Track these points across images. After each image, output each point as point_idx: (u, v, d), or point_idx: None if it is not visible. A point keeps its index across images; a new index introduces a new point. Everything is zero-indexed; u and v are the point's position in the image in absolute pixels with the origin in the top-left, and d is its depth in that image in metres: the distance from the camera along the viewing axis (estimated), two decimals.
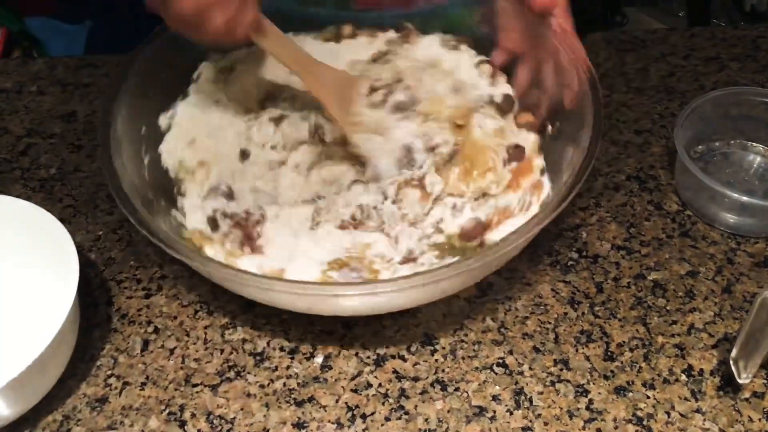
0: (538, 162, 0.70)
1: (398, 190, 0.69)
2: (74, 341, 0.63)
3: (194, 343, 0.66)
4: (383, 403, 0.62)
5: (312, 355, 0.65)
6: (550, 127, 0.71)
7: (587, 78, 0.66)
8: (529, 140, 0.72)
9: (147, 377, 0.64)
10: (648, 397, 0.61)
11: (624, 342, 0.65)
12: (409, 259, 0.67)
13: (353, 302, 0.60)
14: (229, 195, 0.70)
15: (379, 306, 0.62)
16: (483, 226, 0.68)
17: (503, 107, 0.74)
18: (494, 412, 0.61)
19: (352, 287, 0.59)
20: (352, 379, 0.63)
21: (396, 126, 0.73)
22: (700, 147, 0.79)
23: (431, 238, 0.68)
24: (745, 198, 0.68)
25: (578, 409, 0.61)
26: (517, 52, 0.74)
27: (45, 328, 0.59)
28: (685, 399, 0.61)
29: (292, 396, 0.62)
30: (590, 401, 0.61)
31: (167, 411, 0.62)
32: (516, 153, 0.71)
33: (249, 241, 0.67)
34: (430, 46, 0.80)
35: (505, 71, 0.76)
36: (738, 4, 1.73)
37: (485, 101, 0.75)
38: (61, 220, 0.65)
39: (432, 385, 0.63)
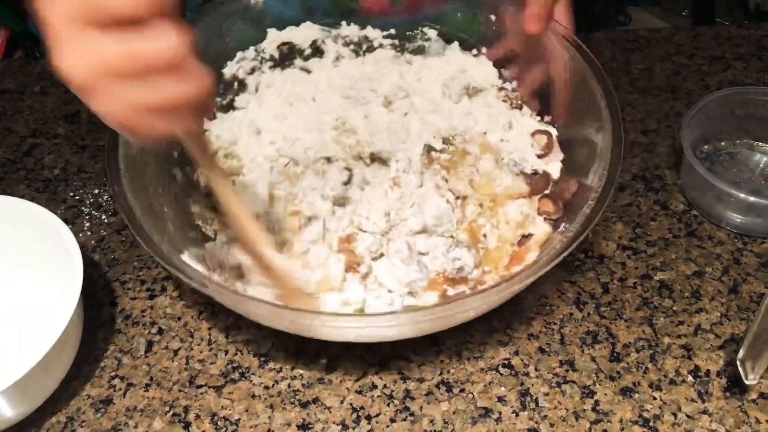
0: (532, 255, 0.65)
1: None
2: (78, 342, 0.63)
3: (198, 344, 0.66)
4: (388, 405, 0.61)
5: (316, 356, 0.65)
6: (563, 225, 0.66)
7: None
8: (540, 231, 0.67)
9: (151, 378, 0.64)
10: (654, 398, 0.61)
11: (630, 343, 0.64)
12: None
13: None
14: None
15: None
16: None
17: (535, 186, 0.70)
18: (500, 413, 0.60)
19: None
20: (357, 380, 0.63)
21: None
22: (706, 147, 0.79)
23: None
24: (751, 198, 0.68)
25: (584, 410, 0.60)
26: (517, 51, 0.74)
27: (49, 329, 0.58)
28: (692, 400, 0.61)
29: (297, 397, 0.62)
30: (596, 402, 0.61)
31: (171, 412, 0.61)
32: (522, 241, 0.67)
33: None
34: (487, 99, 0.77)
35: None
36: (742, 3, 1.73)
37: (522, 169, 0.71)
38: (65, 221, 0.64)
39: (437, 386, 0.62)
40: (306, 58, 0.82)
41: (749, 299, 0.67)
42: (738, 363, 0.59)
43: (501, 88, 0.78)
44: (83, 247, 0.63)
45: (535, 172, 0.70)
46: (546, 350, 0.64)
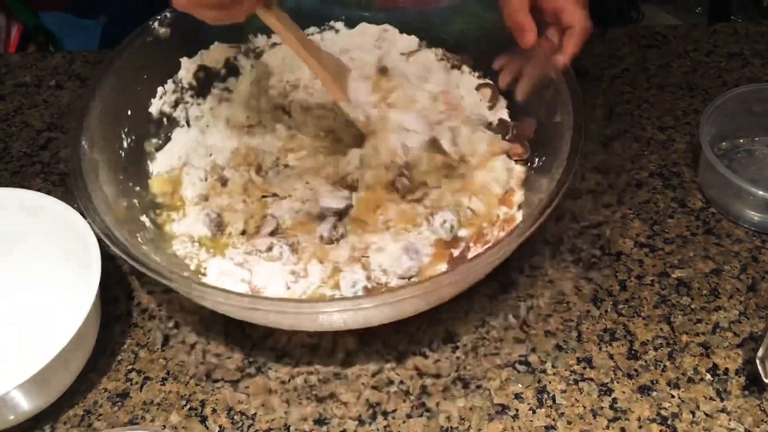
0: (519, 196, 0.71)
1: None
2: (95, 336, 0.63)
3: (215, 339, 0.66)
4: (405, 401, 0.61)
5: (333, 352, 0.64)
6: (537, 160, 0.72)
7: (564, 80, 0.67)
8: (515, 173, 0.73)
9: (168, 372, 0.64)
10: (672, 397, 0.61)
11: (648, 340, 0.64)
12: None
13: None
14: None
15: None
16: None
17: (499, 131, 0.76)
18: (517, 410, 0.60)
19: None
20: (373, 375, 0.63)
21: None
22: (724, 144, 0.78)
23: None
24: None
25: (602, 408, 0.60)
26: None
27: (67, 322, 0.59)
28: (710, 398, 0.60)
29: (313, 392, 0.62)
30: (614, 400, 0.60)
31: (188, 406, 0.61)
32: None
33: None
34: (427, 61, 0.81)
35: None
36: (756, 1, 1.72)
37: (483, 123, 0.76)
38: (81, 214, 0.64)
39: (454, 382, 0.62)
40: (223, 79, 0.81)
41: None
42: (757, 361, 0.59)
43: (429, 48, 0.81)
44: (99, 241, 0.63)
45: (491, 123, 0.77)
46: (563, 347, 0.64)
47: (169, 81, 0.78)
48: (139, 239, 0.65)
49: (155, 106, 0.77)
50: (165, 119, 0.78)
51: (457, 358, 0.64)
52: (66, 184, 0.78)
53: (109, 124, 0.71)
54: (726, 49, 0.89)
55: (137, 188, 0.72)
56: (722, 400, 0.60)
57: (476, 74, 0.80)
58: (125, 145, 0.73)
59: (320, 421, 0.60)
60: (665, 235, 0.71)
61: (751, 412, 0.59)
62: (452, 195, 0.69)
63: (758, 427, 0.58)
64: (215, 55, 0.80)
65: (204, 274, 0.67)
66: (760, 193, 0.68)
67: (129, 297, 0.69)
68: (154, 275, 0.57)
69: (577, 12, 0.67)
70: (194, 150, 0.76)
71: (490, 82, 0.79)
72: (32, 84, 0.91)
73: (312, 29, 0.84)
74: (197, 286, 0.58)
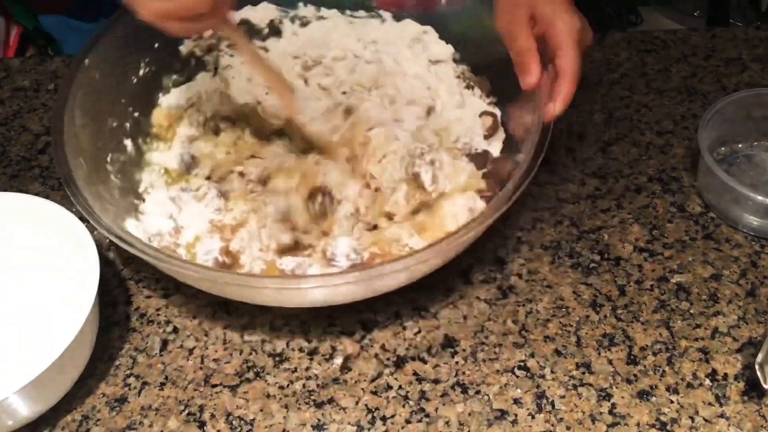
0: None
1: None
2: (93, 341, 0.63)
3: (213, 343, 0.66)
4: (403, 406, 0.61)
5: (331, 357, 0.64)
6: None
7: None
8: (477, 210, 0.70)
9: (166, 377, 0.63)
10: (672, 402, 0.60)
11: (647, 346, 0.64)
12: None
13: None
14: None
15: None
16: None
17: (477, 162, 0.74)
18: (516, 415, 0.60)
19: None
20: (372, 380, 0.63)
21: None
22: (723, 149, 0.78)
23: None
24: None
25: (601, 413, 0.60)
26: None
27: (64, 327, 0.59)
28: (710, 404, 0.60)
29: (312, 397, 0.62)
30: (613, 405, 0.60)
31: (186, 411, 0.61)
32: None
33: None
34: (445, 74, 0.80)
35: None
36: (754, 4, 1.72)
37: (467, 152, 0.74)
38: (80, 219, 0.64)
39: (453, 387, 0.62)
40: (264, 38, 0.82)
41: (767, 302, 0.66)
42: (756, 367, 0.59)
43: (457, 63, 0.80)
44: (98, 245, 0.63)
45: (480, 153, 0.75)
46: (562, 352, 0.64)
47: None
48: (108, 160, 0.71)
49: (187, 46, 0.80)
50: (193, 60, 0.81)
51: (456, 363, 0.64)
52: (63, 189, 0.78)
53: (129, 48, 0.75)
54: (725, 53, 0.89)
55: (136, 113, 0.76)
56: (721, 405, 0.60)
57: (488, 100, 0.79)
58: (141, 73, 0.77)
59: (319, 427, 0.60)
60: (664, 240, 0.71)
61: (750, 418, 0.59)
62: (398, 228, 0.69)
63: None
64: (261, 13, 0.82)
65: (143, 200, 0.73)
66: (759, 198, 0.68)
67: (127, 302, 0.69)
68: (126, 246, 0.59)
69: (569, 55, 0.64)
70: (210, 96, 0.78)
71: (494, 112, 0.77)
72: (31, 88, 0.91)
73: (361, 13, 0.84)
74: (167, 259, 0.59)
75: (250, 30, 0.82)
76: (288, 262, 0.67)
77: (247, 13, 0.82)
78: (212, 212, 0.70)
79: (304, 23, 0.83)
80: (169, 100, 0.79)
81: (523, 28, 0.65)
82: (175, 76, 0.80)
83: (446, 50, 0.81)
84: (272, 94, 0.75)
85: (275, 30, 0.83)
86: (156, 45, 0.77)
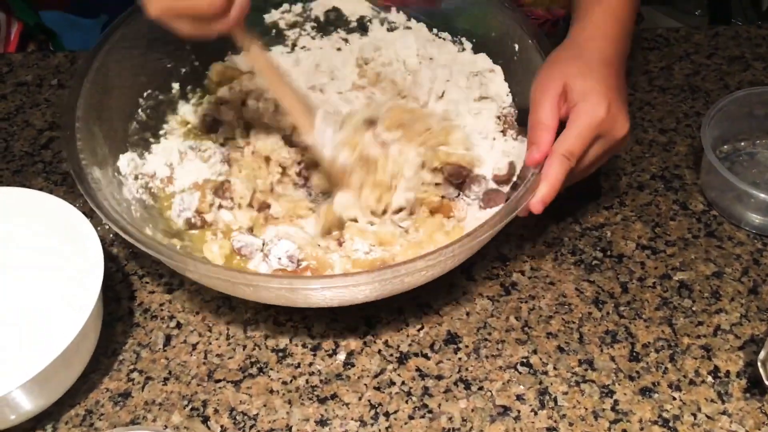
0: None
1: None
2: (97, 336, 0.63)
3: (217, 339, 0.66)
4: (407, 401, 0.61)
5: (335, 352, 0.64)
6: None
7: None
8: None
9: (170, 372, 0.64)
10: (674, 399, 0.61)
11: (649, 343, 0.64)
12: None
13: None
14: None
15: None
16: None
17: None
18: (518, 411, 0.60)
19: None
20: (375, 376, 0.63)
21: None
22: (725, 147, 0.78)
23: None
24: None
25: (603, 409, 0.60)
26: None
27: (69, 322, 0.59)
28: (712, 401, 0.60)
29: (315, 393, 0.62)
30: (615, 402, 0.61)
31: (190, 406, 0.61)
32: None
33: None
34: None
35: None
36: (755, 4, 1.72)
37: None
38: (84, 214, 0.64)
39: (455, 383, 0.62)
40: (349, 31, 0.83)
41: None
42: (759, 364, 0.59)
43: (503, 107, 0.76)
44: (102, 241, 0.63)
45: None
46: (565, 349, 0.64)
47: (299, 3, 0.81)
48: (144, 95, 0.75)
49: (272, 16, 0.81)
50: (274, 31, 0.82)
51: (459, 359, 0.64)
52: (67, 184, 0.78)
53: None
54: (727, 52, 0.90)
55: (196, 62, 0.79)
56: (723, 402, 0.60)
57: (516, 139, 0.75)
58: None
59: (322, 422, 0.60)
60: (667, 237, 0.72)
61: (752, 415, 0.59)
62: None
63: (759, 429, 0.59)
64: (353, 7, 0.82)
65: (159, 141, 0.75)
66: (762, 195, 0.68)
67: (131, 297, 0.69)
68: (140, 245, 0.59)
69: (566, 136, 0.60)
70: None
71: (514, 163, 0.71)
72: (34, 83, 0.90)
73: (446, 35, 0.82)
74: (175, 256, 0.59)
75: (337, 19, 0.82)
76: (241, 239, 0.67)
77: (340, 2, 0.82)
78: (211, 174, 0.72)
79: (391, 28, 0.82)
80: (235, 59, 0.80)
81: (548, 100, 0.61)
82: None
83: (502, 91, 0.77)
84: (287, 114, 0.70)
85: (363, 26, 0.83)
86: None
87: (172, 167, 0.73)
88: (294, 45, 0.83)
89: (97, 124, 0.68)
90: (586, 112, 0.60)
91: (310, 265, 0.66)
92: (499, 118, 0.76)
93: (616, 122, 0.61)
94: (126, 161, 0.71)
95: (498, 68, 0.78)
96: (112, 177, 0.68)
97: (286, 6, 0.81)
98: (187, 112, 0.78)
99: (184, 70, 0.79)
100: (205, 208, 0.69)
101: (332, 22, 0.82)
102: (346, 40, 0.83)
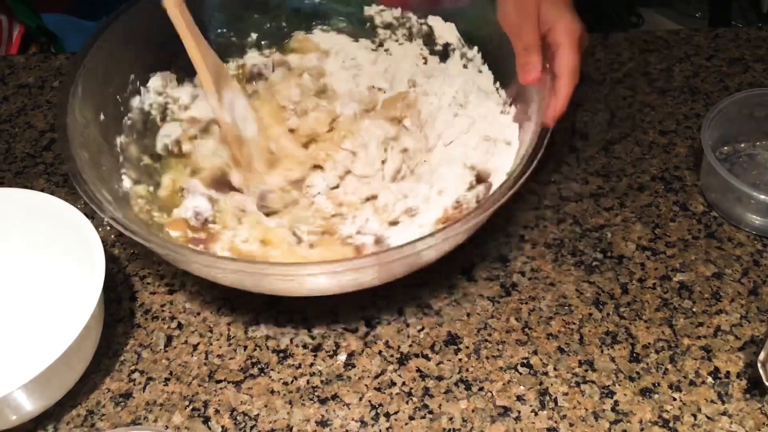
0: None
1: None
2: (98, 337, 0.63)
3: (217, 339, 0.66)
4: (407, 402, 0.61)
5: (335, 353, 0.65)
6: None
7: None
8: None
9: (171, 373, 0.64)
10: (674, 399, 0.61)
11: (650, 343, 0.64)
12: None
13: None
14: None
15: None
16: None
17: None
18: (519, 412, 0.60)
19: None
20: (376, 377, 0.63)
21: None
22: (725, 148, 0.78)
23: None
24: None
25: (604, 410, 0.60)
26: None
27: (70, 323, 0.59)
28: (712, 401, 0.61)
29: (316, 393, 0.62)
30: (616, 403, 0.61)
31: (191, 407, 0.62)
32: None
33: None
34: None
35: None
36: (755, 6, 1.72)
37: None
38: (86, 215, 0.65)
39: (456, 384, 0.62)
40: (433, 53, 0.82)
41: None
42: (758, 365, 0.59)
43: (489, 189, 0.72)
44: (103, 242, 0.63)
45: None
46: (565, 350, 0.64)
47: (398, 8, 0.82)
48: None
49: (371, 9, 0.83)
50: (368, 24, 0.84)
51: (459, 360, 0.64)
52: (69, 185, 0.79)
53: None
54: (727, 53, 0.90)
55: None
56: (723, 403, 0.60)
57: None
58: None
59: (323, 423, 0.60)
60: (667, 238, 0.72)
61: (753, 416, 0.60)
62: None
63: (759, 430, 0.59)
64: (444, 31, 0.81)
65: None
66: (762, 197, 0.68)
67: (132, 298, 0.69)
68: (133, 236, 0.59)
69: (569, 55, 0.65)
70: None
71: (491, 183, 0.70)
72: (35, 85, 0.91)
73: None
74: (169, 246, 0.59)
75: (426, 36, 0.82)
76: (192, 202, 0.69)
77: (435, 23, 0.81)
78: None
79: (466, 65, 0.79)
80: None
81: (531, 23, 0.66)
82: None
83: (502, 168, 0.70)
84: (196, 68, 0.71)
85: (445, 54, 0.81)
86: None
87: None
88: (380, 44, 0.84)
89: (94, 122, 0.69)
90: (568, 30, 0.66)
91: (210, 230, 0.68)
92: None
93: (584, 32, 0.68)
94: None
95: (516, 141, 0.71)
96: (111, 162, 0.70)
97: (383, 6, 0.82)
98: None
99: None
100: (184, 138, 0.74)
101: (422, 37, 0.82)
102: (425, 60, 0.82)
